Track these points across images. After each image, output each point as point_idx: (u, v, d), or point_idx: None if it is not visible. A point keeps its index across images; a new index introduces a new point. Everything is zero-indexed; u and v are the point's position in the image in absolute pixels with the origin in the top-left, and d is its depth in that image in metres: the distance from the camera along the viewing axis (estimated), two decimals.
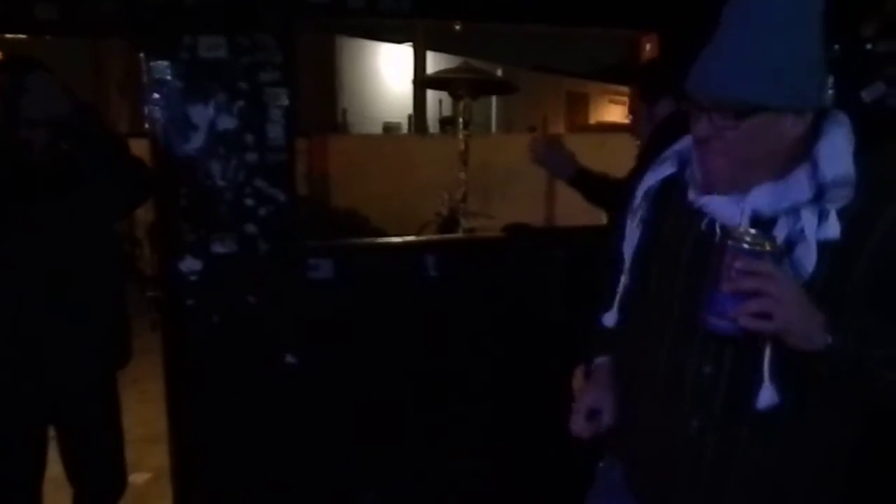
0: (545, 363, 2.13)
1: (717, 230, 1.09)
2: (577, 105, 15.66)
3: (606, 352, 1.35)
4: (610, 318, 1.30)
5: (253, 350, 2.41)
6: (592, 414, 1.28)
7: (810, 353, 0.97)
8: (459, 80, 4.86)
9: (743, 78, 1.00)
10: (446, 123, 9.27)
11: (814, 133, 1.05)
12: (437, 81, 6.05)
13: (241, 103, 2.28)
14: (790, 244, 1.03)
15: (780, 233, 1.03)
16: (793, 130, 1.03)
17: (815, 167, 1.02)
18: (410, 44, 11.76)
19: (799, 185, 1.02)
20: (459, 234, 4.35)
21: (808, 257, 1.02)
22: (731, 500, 1.14)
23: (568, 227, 3.64)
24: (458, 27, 5.81)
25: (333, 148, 7.40)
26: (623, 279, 1.27)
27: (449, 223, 4.75)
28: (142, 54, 2.23)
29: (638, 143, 1.91)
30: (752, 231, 0.99)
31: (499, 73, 11.08)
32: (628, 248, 1.26)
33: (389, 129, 11.67)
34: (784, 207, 1.03)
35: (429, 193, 5.75)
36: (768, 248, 0.98)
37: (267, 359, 2.41)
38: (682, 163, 1.20)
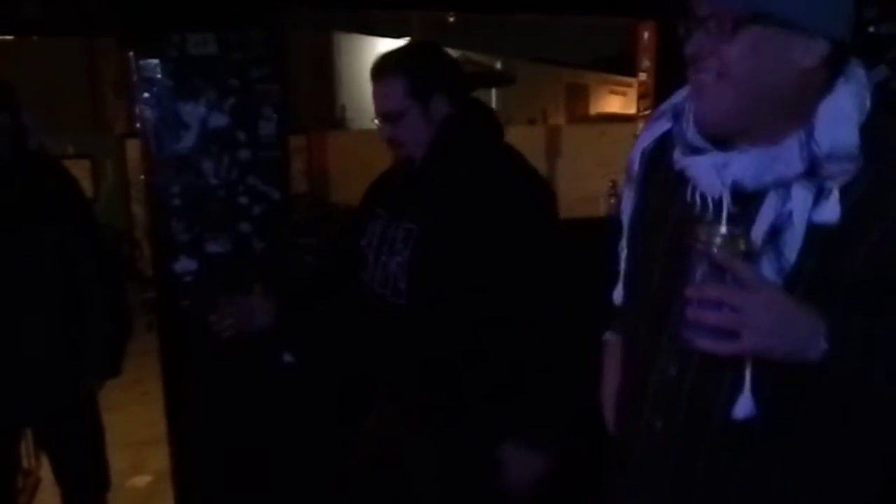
0: None
1: (698, 202, 0.92)
2: (577, 96, 15.55)
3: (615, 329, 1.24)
4: (617, 294, 1.17)
5: (250, 350, 2.37)
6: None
7: (805, 366, 0.82)
8: None
9: None
10: None
11: (824, 90, 0.87)
12: None
13: (232, 100, 2.25)
14: (776, 230, 0.86)
15: (766, 216, 0.86)
16: (801, 61, 0.84)
17: (810, 135, 0.84)
18: (408, 38, 11.75)
19: (788, 154, 0.84)
20: None
21: (792, 244, 0.85)
22: None
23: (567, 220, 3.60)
24: (451, 19, 5.75)
25: (333, 144, 7.35)
26: (622, 251, 1.13)
27: None
28: (130, 53, 2.20)
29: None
30: (724, 226, 0.82)
31: (498, 65, 11.02)
32: (625, 217, 1.12)
33: None
34: (769, 181, 0.86)
35: None
36: (742, 247, 0.82)
37: (265, 358, 2.39)
38: (677, 116, 0.99)
